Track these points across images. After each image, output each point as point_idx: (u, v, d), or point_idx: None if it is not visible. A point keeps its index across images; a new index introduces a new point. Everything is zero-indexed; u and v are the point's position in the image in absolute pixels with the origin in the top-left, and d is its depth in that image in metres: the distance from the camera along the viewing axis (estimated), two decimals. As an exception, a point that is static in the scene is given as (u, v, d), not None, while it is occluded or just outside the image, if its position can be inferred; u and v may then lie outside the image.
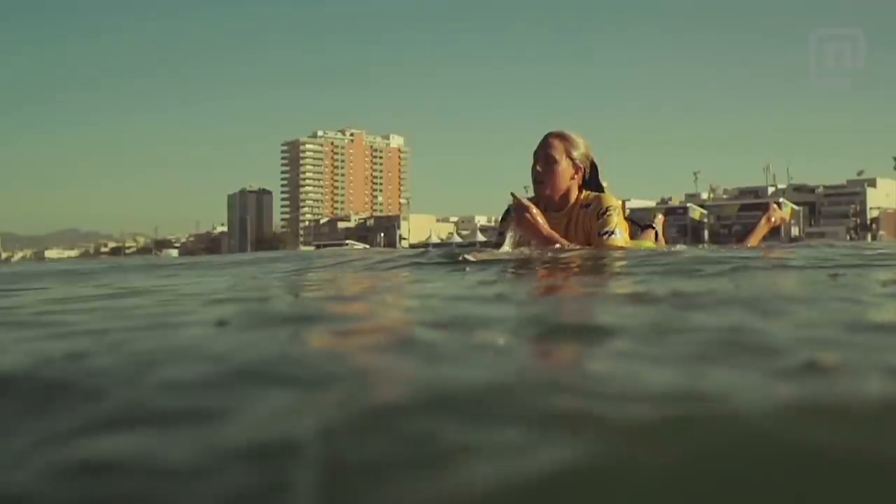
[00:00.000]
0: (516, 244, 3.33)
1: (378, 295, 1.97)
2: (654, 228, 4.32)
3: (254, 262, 4.72)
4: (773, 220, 4.65)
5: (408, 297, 1.90)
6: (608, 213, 3.30)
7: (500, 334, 1.02)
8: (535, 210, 3.25)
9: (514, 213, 3.30)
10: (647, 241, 3.99)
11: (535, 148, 3.44)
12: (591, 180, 3.48)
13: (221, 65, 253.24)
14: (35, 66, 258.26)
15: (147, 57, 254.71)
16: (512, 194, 3.31)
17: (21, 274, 4.75)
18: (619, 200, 3.40)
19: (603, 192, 3.48)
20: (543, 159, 3.34)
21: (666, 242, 4.38)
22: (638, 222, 4.51)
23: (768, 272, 2.35)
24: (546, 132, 3.46)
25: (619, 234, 3.29)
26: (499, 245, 3.51)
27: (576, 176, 3.39)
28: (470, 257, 3.27)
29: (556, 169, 3.33)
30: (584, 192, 3.42)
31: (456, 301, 1.61)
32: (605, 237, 3.26)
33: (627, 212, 3.68)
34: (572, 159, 3.36)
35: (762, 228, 4.64)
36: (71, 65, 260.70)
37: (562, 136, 3.38)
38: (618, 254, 3.02)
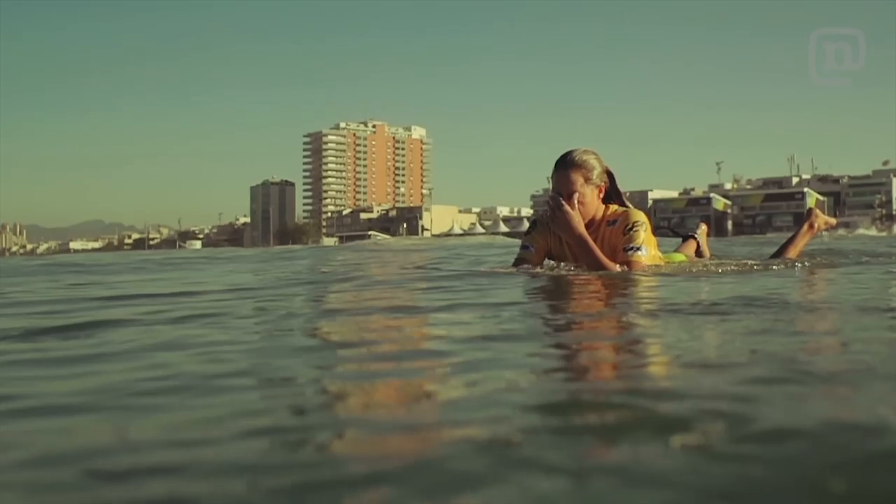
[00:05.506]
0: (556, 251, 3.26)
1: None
2: (695, 239, 4.17)
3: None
4: (815, 226, 4.08)
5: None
6: (635, 228, 3.22)
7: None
8: (569, 209, 3.19)
9: (550, 210, 3.23)
10: (680, 255, 3.88)
11: (554, 147, 3.40)
12: (610, 188, 3.40)
13: (244, 57, 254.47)
14: (59, 61, 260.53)
15: (170, 49, 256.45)
16: (551, 196, 3.26)
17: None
18: (646, 216, 3.31)
19: (622, 198, 3.41)
20: (568, 197, 3.25)
21: (709, 254, 4.21)
22: (678, 233, 4.39)
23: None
24: (558, 149, 3.39)
25: (645, 251, 3.20)
26: (524, 260, 3.44)
27: (600, 196, 3.33)
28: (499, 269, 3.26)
29: (583, 201, 3.25)
30: (611, 208, 3.35)
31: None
32: (630, 253, 3.18)
33: (650, 202, 3.58)
34: (593, 183, 3.30)
35: (804, 236, 4.06)
36: (95, 57, 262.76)
37: (576, 166, 3.28)
38: (648, 281, 2.95)
